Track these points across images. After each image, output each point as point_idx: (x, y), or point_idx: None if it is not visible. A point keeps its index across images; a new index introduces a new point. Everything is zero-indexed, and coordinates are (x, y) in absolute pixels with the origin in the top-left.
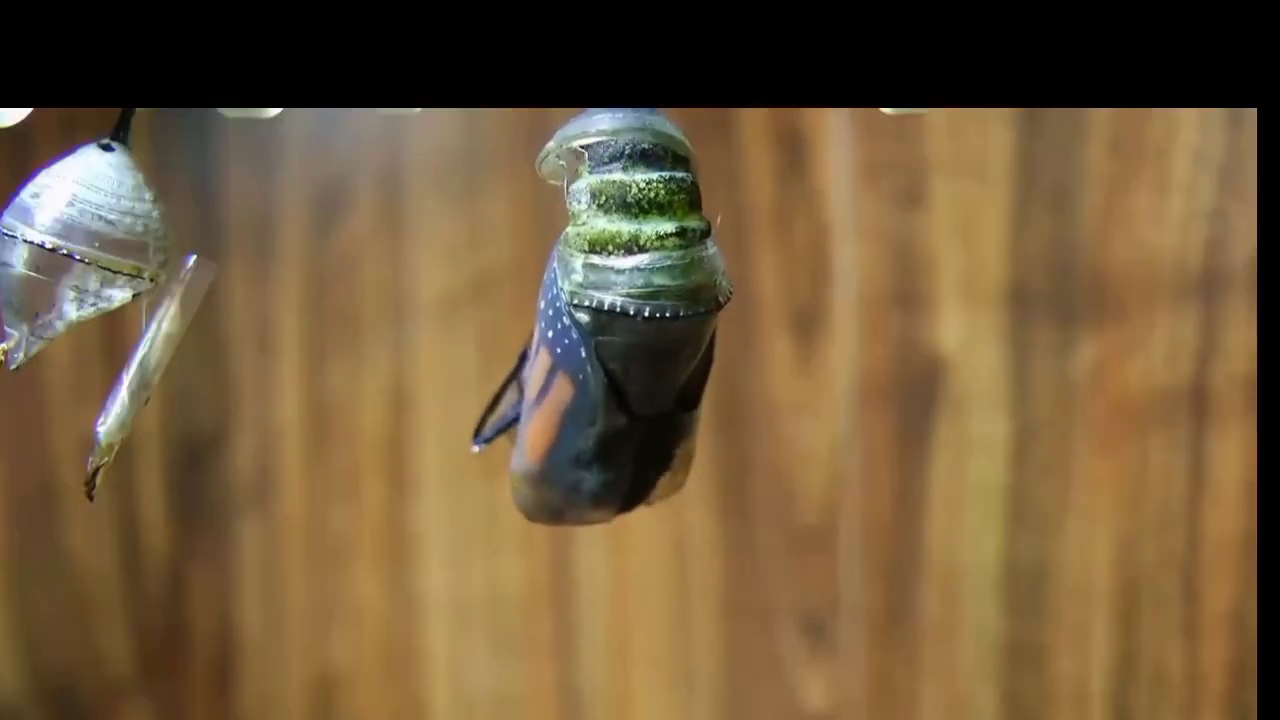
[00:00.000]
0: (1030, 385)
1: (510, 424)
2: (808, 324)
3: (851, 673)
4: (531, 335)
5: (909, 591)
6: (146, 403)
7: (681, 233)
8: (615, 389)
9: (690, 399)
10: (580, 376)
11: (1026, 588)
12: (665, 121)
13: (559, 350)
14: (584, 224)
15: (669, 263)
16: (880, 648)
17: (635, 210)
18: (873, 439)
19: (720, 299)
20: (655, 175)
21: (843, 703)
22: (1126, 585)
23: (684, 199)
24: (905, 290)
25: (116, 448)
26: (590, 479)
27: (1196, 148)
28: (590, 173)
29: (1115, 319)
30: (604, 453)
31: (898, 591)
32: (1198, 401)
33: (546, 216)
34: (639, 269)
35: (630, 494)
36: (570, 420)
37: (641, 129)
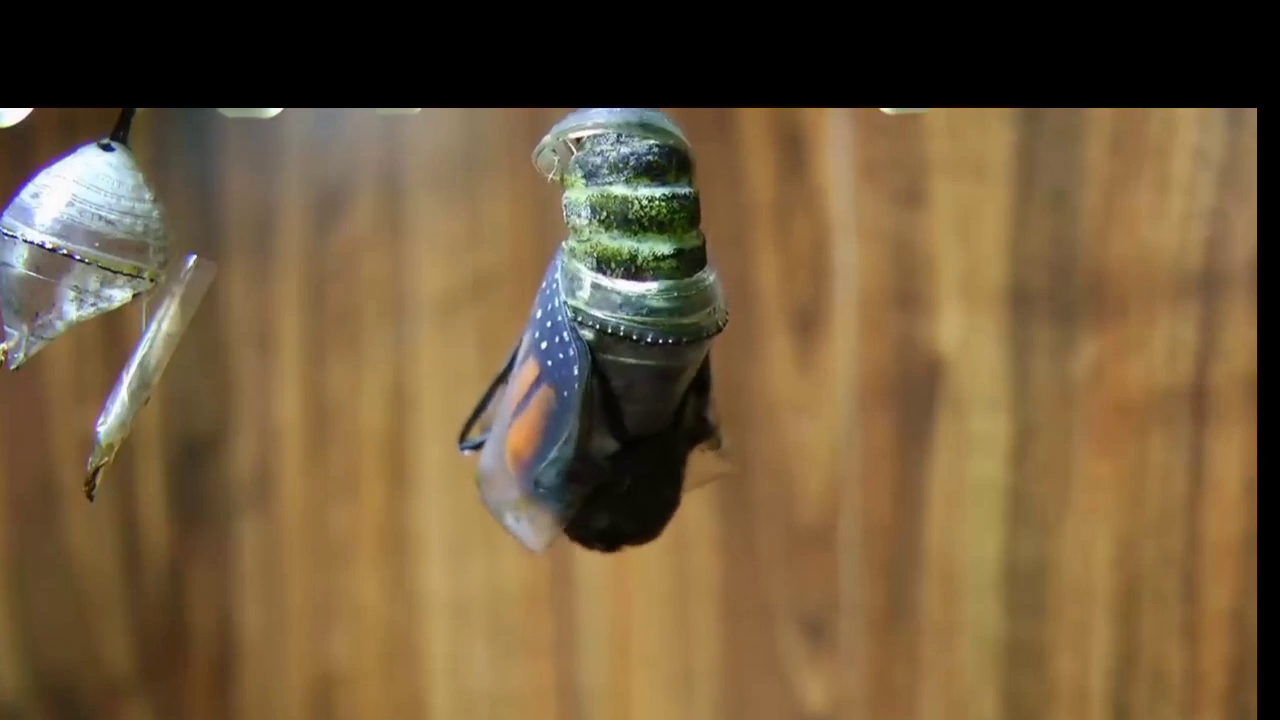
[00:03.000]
0: (1030, 385)
1: None
2: (808, 324)
3: (851, 672)
4: (520, 339)
5: (909, 591)
6: (146, 403)
7: (679, 254)
8: (612, 408)
9: (694, 418)
10: (565, 393)
11: (1026, 587)
12: (663, 117)
13: (549, 363)
14: (588, 239)
15: (674, 294)
16: (880, 647)
17: (635, 228)
18: (873, 439)
19: (719, 324)
20: (658, 192)
21: (843, 702)
22: (1126, 585)
23: (684, 217)
24: (905, 290)
25: (116, 448)
26: (547, 496)
27: (1196, 147)
28: (588, 185)
29: (1115, 319)
30: (572, 475)
31: (898, 591)
32: (1198, 401)
33: (546, 216)
34: (642, 295)
35: (586, 524)
36: (547, 435)
37: (642, 125)
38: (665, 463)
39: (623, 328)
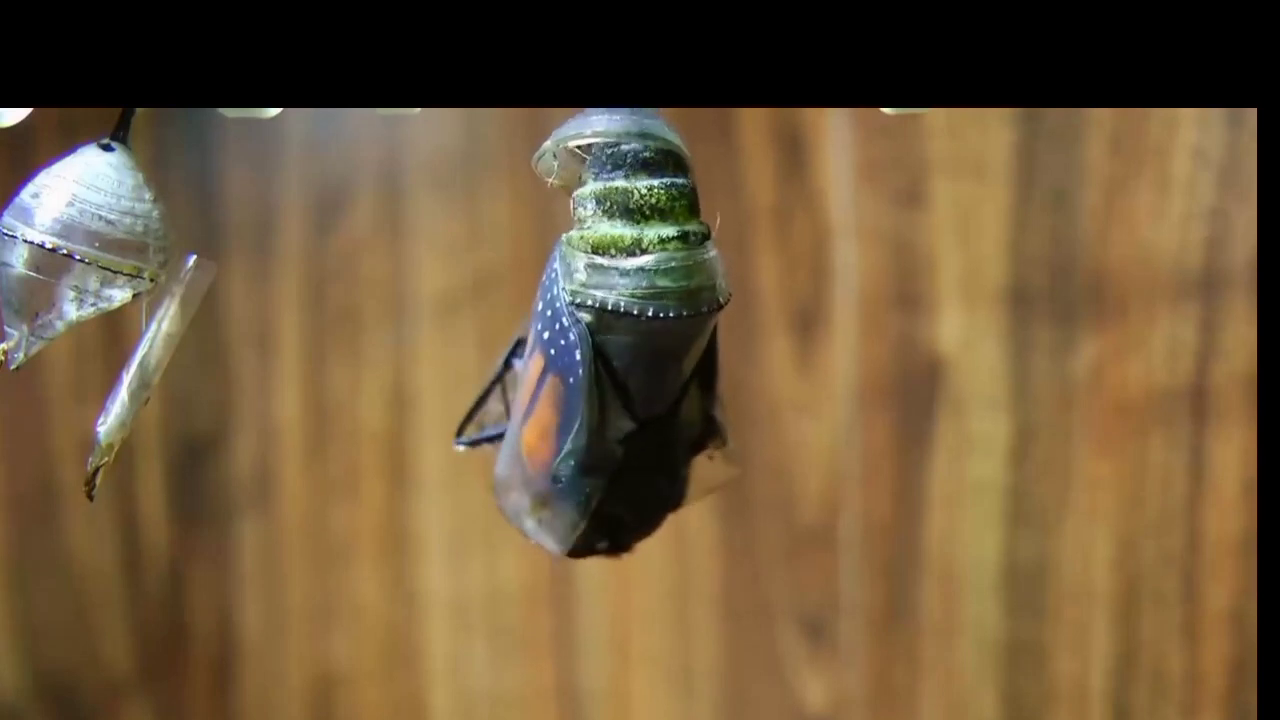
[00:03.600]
0: (1030, 385)
1: (497, 437)
2: (808, 324)
3: (851, 673)
4: (517, 337)
5: (909, 591)
6: (146, 403)
7: (683, 236)
8: (621, 391)
9: (701, 418)
10: (570, 379)
11: (1026, 587)
12: (662, 125)
13: (553, 352)
14: (588, 228)
15: (672, 264)
16: (880, 647)
17: (638, 215)
18: (873, 439)
19: (720, 300)
20: (656, 182)
21: (843, 703)
22: (1126, 585)
23: (684, 204)
24: (905, 290)
25: (116, 448)
26: (565, 492)
27: (1196, 147)
28: (594, 180)
29: (1115, 319)
30: (586, 466)
31: (898, 591)
32: (1198, 401)
33: (546, 216)
34: (642, 270)
35: (604, 526)
36: (561, 428)
37: (641, 134)
38: (663, 449)
39: (622, 304)
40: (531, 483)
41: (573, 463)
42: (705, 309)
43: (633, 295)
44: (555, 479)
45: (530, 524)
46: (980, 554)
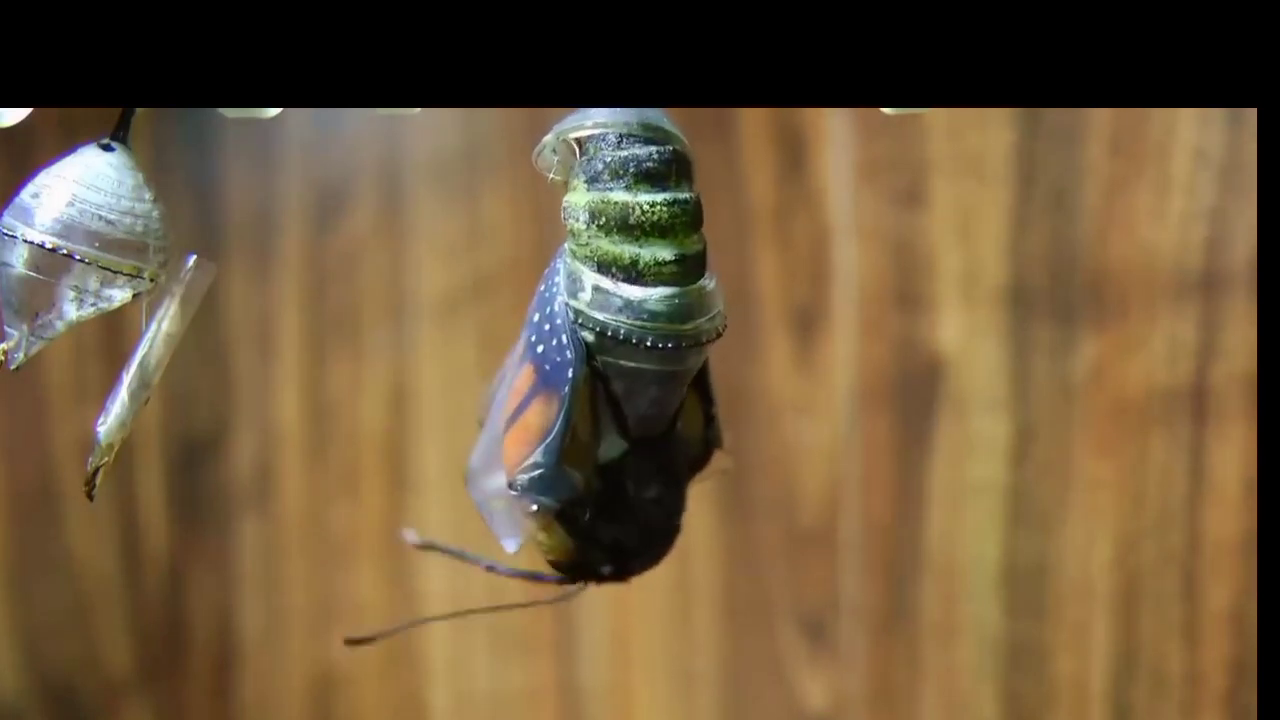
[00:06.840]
0: (1030, 385)
1: None
2: (808, 324)
3: (851, 673)
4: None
5: (909, 591)
6: (146, 403)
7: (680, 260)
8: (616, 410)
9: (703, 425)
10: (559, 396)
11: (1026, 587)
12: (662, 117)
13: (546, 367)
14: (586, 243)
15: (673, 300)
16: (880, 648)
17: (637, 233)
18: (873, 439)
19: (719, 329)
20: (659, 198)
21: (843, 703)
22: (1126, 585)
23: (685, 221)
24: (905, 290)
25: (116, 448)
26: (514, 500)
27: (1196, 147)
28: (588, 189)
29: (1115, 319)
30: (545, 482)
31: (898, 591)
32: (1198, 401)
33: (546, 216)
34: (643, 300)
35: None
36: (540, 437)
37: (643, 125)
38: (664, 468)
39: (623, 331)
40: (497, 479)
41: (530, 476)
42: (704, 340)
43: (632, 324)
44: (511, 485)
45: (488, 516)
46: (980, 554)
